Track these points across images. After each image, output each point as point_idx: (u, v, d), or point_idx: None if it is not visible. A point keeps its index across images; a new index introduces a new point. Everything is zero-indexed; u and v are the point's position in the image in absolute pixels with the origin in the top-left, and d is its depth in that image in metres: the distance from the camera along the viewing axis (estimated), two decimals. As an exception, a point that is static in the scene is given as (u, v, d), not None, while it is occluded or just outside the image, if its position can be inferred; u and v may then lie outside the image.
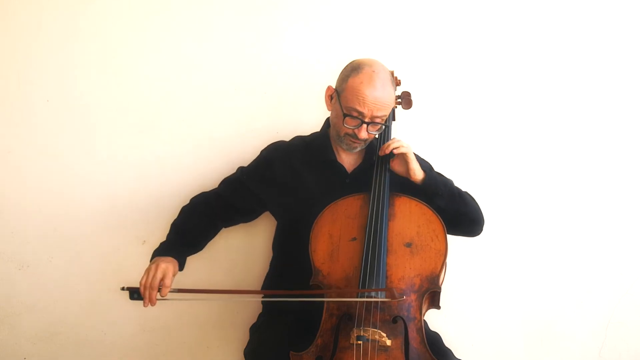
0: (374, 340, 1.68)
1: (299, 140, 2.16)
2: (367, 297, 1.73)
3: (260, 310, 2.19)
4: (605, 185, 2.44)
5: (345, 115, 1.91)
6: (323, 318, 1.77)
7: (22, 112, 2.39)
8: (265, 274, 2.21)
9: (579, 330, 2.47)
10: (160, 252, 1.97)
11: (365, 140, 1.96)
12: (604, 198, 2.44)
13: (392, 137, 2.02)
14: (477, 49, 2.42)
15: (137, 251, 2.41)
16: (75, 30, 2.38)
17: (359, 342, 1.68)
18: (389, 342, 1.69)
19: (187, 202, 2.16)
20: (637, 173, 2.44)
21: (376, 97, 1.87)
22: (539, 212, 2.44)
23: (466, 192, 2.07)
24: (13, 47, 2.38)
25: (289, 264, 2.05)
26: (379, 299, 1.73)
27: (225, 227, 2.18)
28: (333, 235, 1.86)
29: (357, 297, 1.74)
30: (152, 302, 1.83)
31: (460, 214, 1.97)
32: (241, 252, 2.42)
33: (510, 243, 2.44)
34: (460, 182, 2.11)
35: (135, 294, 1.84)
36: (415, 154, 2.04)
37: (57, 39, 2.38)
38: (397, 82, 2.10)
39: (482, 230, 2.08)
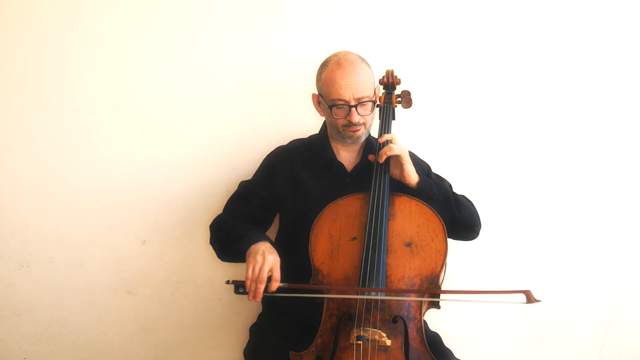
0: (374, 340, 1.68)
1: (297, 143, 2.18)
2: (367, 295, 1.73)
3: (260, 310, 2.20)
4: (605, 186, 2.44)
5: (331, 107, 1.94)
6: (323, 318, 1.77)
7: (22, 112, 2.39)
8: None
9: (579, 330, 2.47)
10: (250, 239, 1.83)
11: (364, 124, 1.97)
12: (603, 198, 2.44)
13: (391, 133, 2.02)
14: (476, 48, 2.42)
15: (137, 251, 2.41)
16: (75, 31, 2.38)
17: (359, 342, 1.67)
18: (389, 342, 1.69)
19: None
20: (637, 173, 2.44)
21: (350, 76, 1.90)
22: (539, 212, 2.44)
23: (463, 197, 2.05)
24: (13, 47, 2.38)
25: (289, 264, 2.04)
26: (380, 297, 1.73)
27: None
28: (333, 234, 1.86)
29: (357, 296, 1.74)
30: (257, 297, 1.69)
31: (454, 220, 1.95)
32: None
33: (510, 243, 2.44)
34: (460, 181, 2.11)
35: (240, 287, 1.69)
36: (414, 155, 2.04)
37: (57, 39, 2.38)
38: (396, 81, 2.12)
39: (477, 235, 2.08)
